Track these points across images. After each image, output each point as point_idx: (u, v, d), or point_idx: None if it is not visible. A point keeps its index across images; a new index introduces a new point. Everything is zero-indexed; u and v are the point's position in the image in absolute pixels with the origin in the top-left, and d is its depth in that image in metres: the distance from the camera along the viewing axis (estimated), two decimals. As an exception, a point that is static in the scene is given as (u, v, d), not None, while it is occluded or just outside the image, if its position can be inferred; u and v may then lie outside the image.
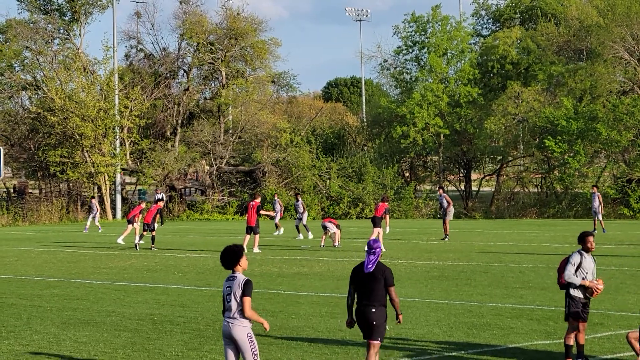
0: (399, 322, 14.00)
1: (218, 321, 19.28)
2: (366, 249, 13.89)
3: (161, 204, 48.19)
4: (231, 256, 11.58)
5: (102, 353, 16.17)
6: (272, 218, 52.35)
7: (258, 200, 38.32)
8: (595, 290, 14.95)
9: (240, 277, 11.49)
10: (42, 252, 39.00)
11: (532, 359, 15.41)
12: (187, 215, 69.72)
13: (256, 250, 36.66)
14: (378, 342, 13.51)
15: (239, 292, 11.39)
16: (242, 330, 11.38)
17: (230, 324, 11.42)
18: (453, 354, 15.85)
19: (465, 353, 15.83)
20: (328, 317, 19.67)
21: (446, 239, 42.37)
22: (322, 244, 39.33)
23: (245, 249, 35.82)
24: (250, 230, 37.03)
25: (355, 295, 13.66)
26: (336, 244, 39.15)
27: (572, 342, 14.86)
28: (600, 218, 46.93)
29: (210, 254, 36.52)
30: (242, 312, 11.41)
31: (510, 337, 17.15)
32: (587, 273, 14.97)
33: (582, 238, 15.18)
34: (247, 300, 11.37)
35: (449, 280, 26.33)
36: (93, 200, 57.79)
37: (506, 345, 16.50)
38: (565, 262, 15.06)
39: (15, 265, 32.87)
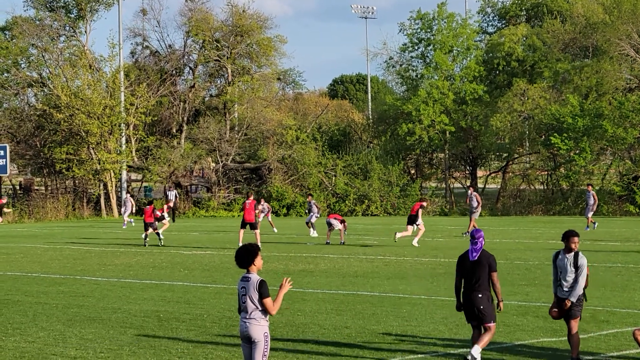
0: (500, 309, 14.92)
1: (224, 318, 19.30)
2: (469, 239, 15.28)
3: (170, 203, 49.44)
4: (246, 255, 11.49)
5: (108, 350, 16.18)
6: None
7: (252, 198, 38.89)
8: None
9: (255, 278, 11.41)
10: (48, 249, 39.05)
11: (538, 356, 15.40)
12: (192, 212, 69.73)
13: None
14: (492, 324, 14.69)
15: (255, 295, 11.32)
16: (259, 329, 11.35)
17: (247, 323, 11.38)
18: (459, 351, 15.85)
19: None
20: (334, 314, 19.67)
21: (467, 235, 42.31)
22: (328, 240, 39.36)
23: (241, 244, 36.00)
24: (251, 226, 37.70)
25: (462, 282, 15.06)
26: (342, 240, 39.23)
27: None
28: (590, 215, 47.33)
29: (216, 251, 36.56)
30: (261, 312, 11.35)
31: (516, 335, 17.14)
32: (561, 272, 14.83)
33: (564, 238, 15.14)
34: (268, 301, 11.32)
35: (454, 277, 26.27)
36: (128, 195, 58.23)
37: (512, 343, 16.49)
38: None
39: (21, 262, 32.91)
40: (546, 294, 22.41)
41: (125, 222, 55.95)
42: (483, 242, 15.17)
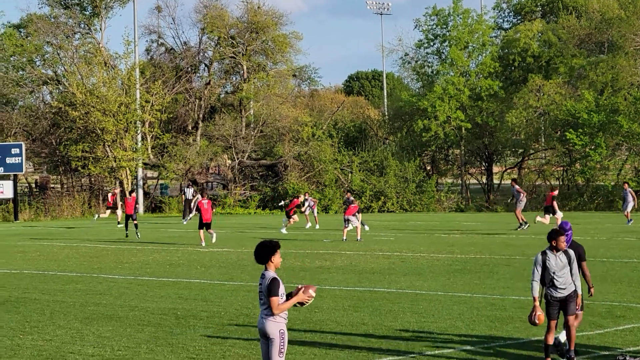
0: (591, 294, 15.47)
1: (241, 316, 19.33)
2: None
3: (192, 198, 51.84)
4: (263, 251, 11.49)
5: (125, 348, 16.22)
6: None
7: (207, 198, 40.84)
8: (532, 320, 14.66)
9: (268, 275, 11.39)
10: (64, 247, 39.16)
11: (554, 352, 15.36)
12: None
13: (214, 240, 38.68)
14: (581, 312, 15.19)
15: (265, 292, 11.34)
16: (274, 326, 11.34)
17: (263, 320, 11.39)
18: (476, 347, 15.84)
19: (488, 346, 15.82)
20: (351, 311, 19.68)
21: (523, 227, 43.55)
22: (344, 237, 39.34)
23: (204, 243, 36.76)
24: (208, 226, 39.23)
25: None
26: (358, 237, 39.21)
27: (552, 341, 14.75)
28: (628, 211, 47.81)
29: (232, 248, 36.60)
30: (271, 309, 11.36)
31: (532, 330, 17.11)
32: (553, 273, 14.64)
33: (552, 237, 14.63)
34: (273, 300, 11.29)
35: (471, 273, 26.30)
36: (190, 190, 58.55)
37: (529, 338, 16.47)
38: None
39: (38, 260, 33.02)
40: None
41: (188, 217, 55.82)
42: (572, 234, 15.38)
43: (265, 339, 11.40)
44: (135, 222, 44.18)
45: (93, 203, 70.71)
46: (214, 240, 38.37)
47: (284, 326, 11.38)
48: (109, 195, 61.06)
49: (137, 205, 46.12)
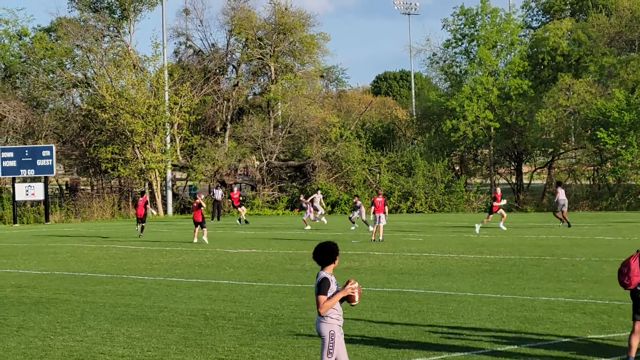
0: None
1: (270, 316, 19.33)
2: None
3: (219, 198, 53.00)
4: (328, 253, 11.47)
5: (155, 349, 16.25)
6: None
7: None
8: None
9: (321, 274, 11.40)
10: (94, 248, 39.33)
11: (585, 353, 15.27)
12: (237, 211, 69.88)
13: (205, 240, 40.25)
14: None
15: (315, 290, 11.35)
16: (325, 327, 11.34)
17: (318, 320, 11.41)
18: (506, 348, 15.76)
19: (518, 347, 15.73)
20: (380, 312, 19.63)
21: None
22: (373, 237, 39.28)
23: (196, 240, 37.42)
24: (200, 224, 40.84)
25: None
26: (380, 237, 39.11)
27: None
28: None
29: (261, 249, 36.63)
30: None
31: (563, 331, 17.02)
32: None
33: None
34: (320, 298, 11.29)
35: (500, 274, 26.19)
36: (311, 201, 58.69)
37: (559, 340, 16.37)
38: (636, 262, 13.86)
39: (69, 262, 33.17)
40: (593, 290, 22.26)
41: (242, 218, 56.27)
42: None
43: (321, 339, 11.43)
44: (142, 224, 45.99)
45: (123, 205, 71.01)
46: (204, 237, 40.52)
47: (335, 327, 11.34)
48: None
49: (147, 207, 47.36)
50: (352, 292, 11.41)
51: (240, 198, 58.62)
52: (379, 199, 40.04)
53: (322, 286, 11.25)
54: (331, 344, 11.31)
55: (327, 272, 11.37)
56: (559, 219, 47.04)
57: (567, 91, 70.39)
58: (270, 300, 21.89)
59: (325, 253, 11.43)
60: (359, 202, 47.32)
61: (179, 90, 71.42)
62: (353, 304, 11.59)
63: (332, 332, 11.32)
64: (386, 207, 40.37)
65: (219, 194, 60.09)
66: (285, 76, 77.88)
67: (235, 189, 60.90)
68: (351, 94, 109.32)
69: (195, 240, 41.00)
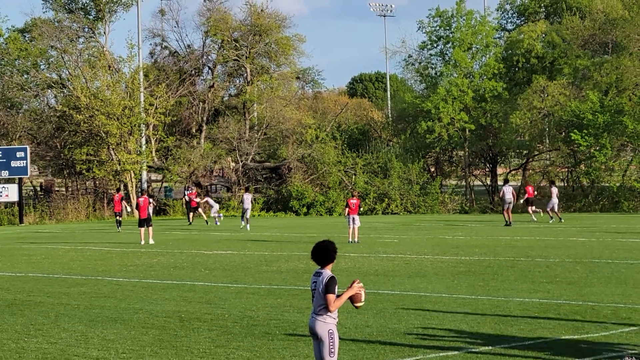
0: None
1: (245, 318, 19.32)
2: None
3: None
4: (328, 252, 11.51)
5: (130, 350, 16.22)
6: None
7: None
8: None
9: (326, 273, 11.44)
10: (69, 250, 39.18)
11: (559, 354, 15.35)
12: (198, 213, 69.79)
13: (152, 242, 41.10)
14: None
15: (322, 290, 11.36)
16: (324, 326, 11.36)
17: (314, 319, 11.41)
18: (480, 349, 15.82)
19: (493, 348, 15.79)
20: (355, 313, 19.65)
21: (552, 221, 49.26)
22: (350, 239, 39.20)
23: (143, 242, 37.95)
24: (144, 223, 41.62)
25: None
26: (356, 239, 39.07)
27: None
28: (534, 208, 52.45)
29: (236, 250, 36.60)
30: (325, 309, 11.37)
31: (537, 332, 17.10)
32: None
33: None
34: (330, 297, 11.33)
35: (475, 275, 26.27)
36: (208, 198, 58.73)
37: (534, 340, 16.44)
38: None
39: (43, 264, 33.04)
40: (567, 291, 22.36)
41: (217, 219, 56.40)
42: None
43: (316, 339, 11.41)
44: (120, 218, 52.27)
45: (97, 206, 70.78)
46: (150, 239, 41.28)
47: (333, 327, 11.38)
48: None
49: (123, 202, 53.11)
50: (359, 291, 11.49)
51: (197, 199, 58.81)
52: (353, 200, 40.00)
53: (331, 285, 11.33)
54: (332, 343, 11.35)
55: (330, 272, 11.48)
56: (549, 215, 51.01)
57: (541, 93, 70.65)
58: (245, 301, 21.89)
59: (325, 253, 11.49)
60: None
61: (155, 92, 71.25)
62: (357, 304, 11.68)
63: (330, 331, 11.36)
64: (360, 209, 40.41)
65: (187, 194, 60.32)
66: (261, 77, 77.83)
67: (193, 188, 61.31)
68: (327, 96, 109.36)
69: (142, 242, 41.34)
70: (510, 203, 49.73)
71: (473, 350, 15.73)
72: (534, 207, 53.69)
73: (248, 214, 51.57)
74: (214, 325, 18.53)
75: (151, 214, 42.74)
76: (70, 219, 67.58)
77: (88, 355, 15.94)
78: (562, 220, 50.07)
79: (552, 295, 21.87)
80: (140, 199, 42.25)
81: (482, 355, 15.34)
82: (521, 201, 55.44)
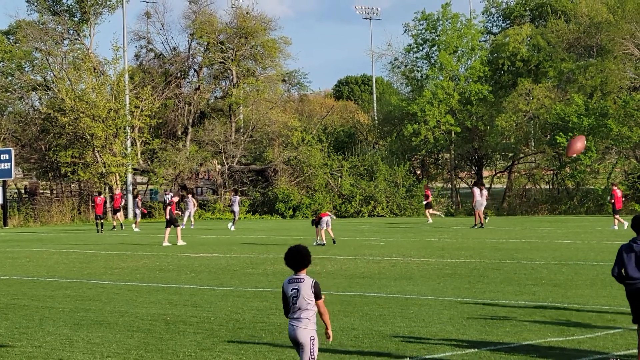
0: None
1: (231, 321, 19.28)
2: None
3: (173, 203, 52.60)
4: (304, 256, 11.43)
5: (115, 354, 16.17)
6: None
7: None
8: None
9: (308, 279, 11.34)
10: (53, 252, 39.05)
11: (545, 356, 15.36)
12: (198, 215, 69.71)
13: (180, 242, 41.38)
14: None
15: (310, 295, 11.25)
16: (306, 332, 11.26)
17: (294, 326, 11.29)
18: (466, 351, 15.82)
19: (479, 350, 15.79)
20: (341, 316, 19.64)
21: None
22: (318, 241, 39.13)
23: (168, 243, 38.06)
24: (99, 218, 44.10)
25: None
26: (322, 241, 39.10)
27: None
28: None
29: (222, 253, 36.55)
30: (307, 314, 11.26)
31: (523, 334, 17.10)
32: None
33: None
34: (321, 302, 11.29)
35: (461, 277, 26.29)
36: (190, 196, 58.68)
37: (519, 343, 16.45)
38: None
39: (27, 267, 32.92)
40: (552, 293, 22.39)
41: (193, 224, 56.58)
42: None
43: (298, 347, 11.34)
44: (101, 220, 53.55)
45: (83, 209, 70.60)
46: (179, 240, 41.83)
47: (314, 333, 11.31)
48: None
49: (106, 205, 55.71)
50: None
51: (123, 202, 59.43)
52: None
53: (319, 289, 11.29)
54: (313, 349, 11.28)
55: None
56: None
57: (526, 96, 70.83)
58: (231, 304, 21.85)
59: (301, 257, 11.41)
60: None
61: (140, 94, 71.11)
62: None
63: (312, 337, 11.29)
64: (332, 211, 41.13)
65: (168, 198, 60.25)
66: (247, 80, 77.79)
67: (117, 191, 62.00)
68: (313, 98, 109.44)
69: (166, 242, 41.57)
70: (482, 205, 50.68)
71: (459, 352, 15.73)
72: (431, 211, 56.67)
73: (236, 216, 54.47)
74: (199, 328, 18.48)
75: (172, 215, 42.74)
76: (55, 222, 67.39)
77: (73, 358, 15.88)
78: (483, 226, 50.11)
79: (538, 297, 21.89)
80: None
81: (468, 357, 15.33)
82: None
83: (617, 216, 46.67)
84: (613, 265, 14.21)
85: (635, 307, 13.99)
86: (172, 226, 41.89)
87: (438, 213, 58.73)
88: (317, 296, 11.27)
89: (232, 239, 44.85)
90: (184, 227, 54.95)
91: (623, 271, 13.97)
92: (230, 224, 53.82)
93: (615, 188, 49.63)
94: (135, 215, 58.38)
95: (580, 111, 64.68)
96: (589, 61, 71.74)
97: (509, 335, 17.06)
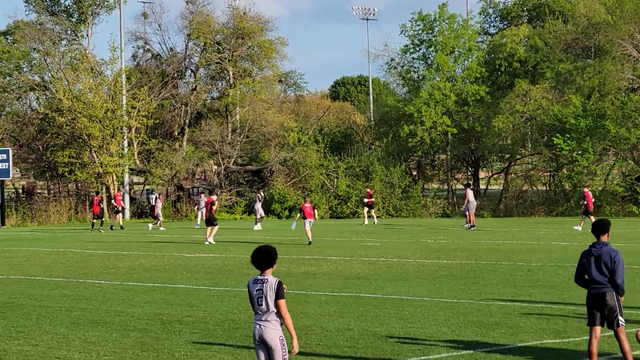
0: None
1: (227, 321, 19.30)
2: None
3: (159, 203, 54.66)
4: (269, 256, 11.40)
5: (111, 353, 16.18)
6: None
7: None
8: None
9: (272, 279, 11.31)
10: (50, 252, 39.07)
11: (541, 357, 15.39)
12: (195, 215, 69.68)
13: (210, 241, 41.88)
14: None
15: (272, 295, 11.22)
16: (274, 333, 11.21)
17: (262, 326, 11.24)
18: (462, 352, 15.83)
19: (474, 352, 15.81)
20: (337, 317, 19.66)
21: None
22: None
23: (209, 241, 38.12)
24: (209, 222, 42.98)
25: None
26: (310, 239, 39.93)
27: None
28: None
29: (218, 253, 36.57)
30: (275, 315, 11.23)
31: (519, 336, 17.13)
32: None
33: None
34: (282, 302, 11.25)
35: (457, 279, 26.31)
36: (202, 196, 58.71)
37: (515, 344, 16.47)
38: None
39: (25, 266, 32.93)
40: (549, 295, 22.42)
41: (198, 224, 56.89)
42: None
43: (265, 347, 11.27)
44: (100, 220, 54.39)
45: (80, 209, 70.59)
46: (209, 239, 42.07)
47: (282, 333, 11.29)
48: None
49: (101, 206, 55.75)
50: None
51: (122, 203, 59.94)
52: (307, 204, 41.40)
53: (281, 290, 11.24)
54: (284, 350, 11.25)
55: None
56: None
57: (523, 97, 70.84)
58: (227, 304, 21.86)
59: (267, 257, 11.37)
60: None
61: (137, 94, 71.08)
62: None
63: (281, 337, 11.26)
64: (315, 211, 41.46)
65: (152, 198, 60.55)
66: (244, 81, 77.78)
67: (119, 191, 62.42)
68: (309, 99, 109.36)
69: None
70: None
71: (454, 354, 15.75)
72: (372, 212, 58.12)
73: (258, 214, 56.47)
74: (195, 328, 18.50)
75: (204, 215, 43.89)
76: (52, 222, 67.38)
77: (69, 357, 15.90)
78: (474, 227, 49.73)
79: (534, 299, 21.92)
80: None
81: (463, 359, 15.36)
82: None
83: (591, 217, 46.40)
84: (575, 272, 14.50)
85: (597, 311, 14.12)
86: (212, 225, 42.58)
87: (375, 220, 58.23)
88: (278, 296, 11.21)
89: (228, 239, 44.85)
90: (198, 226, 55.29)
91: (586, 276, 14.18)
92: (258, 224, 55.35)
93: (587, 190, 49.75)
94: (157, 215, 58.20)
95: (578, 112, 64.69)
96: (586, 62, 71.76)
97: (505, 337, 17.08)
